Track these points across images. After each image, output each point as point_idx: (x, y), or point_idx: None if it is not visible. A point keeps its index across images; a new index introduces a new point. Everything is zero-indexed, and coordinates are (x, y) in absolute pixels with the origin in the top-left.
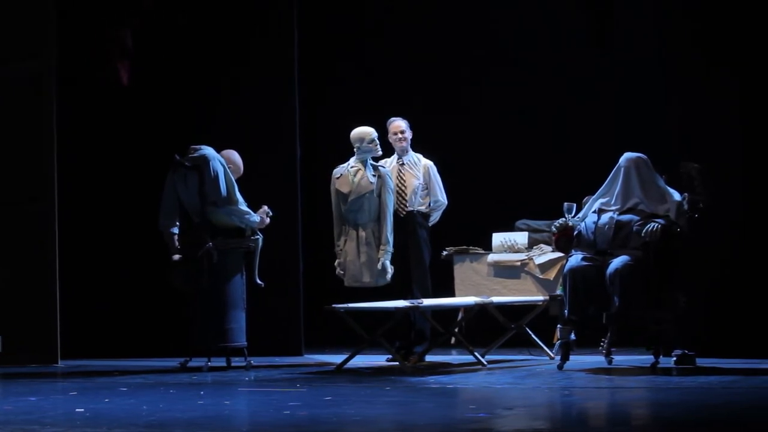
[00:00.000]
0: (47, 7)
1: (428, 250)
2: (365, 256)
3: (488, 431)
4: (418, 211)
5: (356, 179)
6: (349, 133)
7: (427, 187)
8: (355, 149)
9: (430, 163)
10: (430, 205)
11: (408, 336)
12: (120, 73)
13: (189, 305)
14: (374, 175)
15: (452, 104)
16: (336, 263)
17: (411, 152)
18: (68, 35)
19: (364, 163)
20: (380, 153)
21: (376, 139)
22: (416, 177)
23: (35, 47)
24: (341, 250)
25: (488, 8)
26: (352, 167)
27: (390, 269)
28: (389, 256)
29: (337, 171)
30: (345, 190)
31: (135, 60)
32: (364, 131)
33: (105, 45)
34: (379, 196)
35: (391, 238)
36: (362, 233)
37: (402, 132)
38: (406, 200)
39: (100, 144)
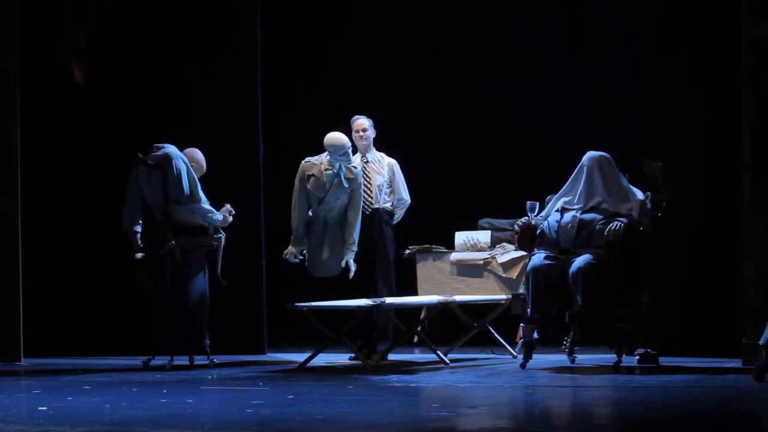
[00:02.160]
0: (12, 6)
1: (393, 247)
2: (329, 252)
3: (451, 430)
4: (383, 209)
5: (330, 184)
6: (314, 131)
7: (392, 184)
8: (328, 154)
9: (393, 161)
10: (394, 203)
11: (371, 334)
12: (73, 72)
13: (152, 303)
14: (348, 179)
15: (416, 104)
16: (291, 250)
17: (374, 150)
18: (33, 33)
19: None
20: (351, 162)
21: (349, 151)
22: (381, 174)
23: (1, 45)
24: (304, 239)
25: (456, 7)
26: (326, 169)
27: (353, 267)
28: (353, 255)
29: (309, 167)
30: (319, 194)
31: (92, 59)
32: (338, 142)
33: (60, 44)
34: (351, 195)
35: (357, 237)
36: (329, 232)
37: (364, 130)
38: (371, 197)
39: (63, 142)
